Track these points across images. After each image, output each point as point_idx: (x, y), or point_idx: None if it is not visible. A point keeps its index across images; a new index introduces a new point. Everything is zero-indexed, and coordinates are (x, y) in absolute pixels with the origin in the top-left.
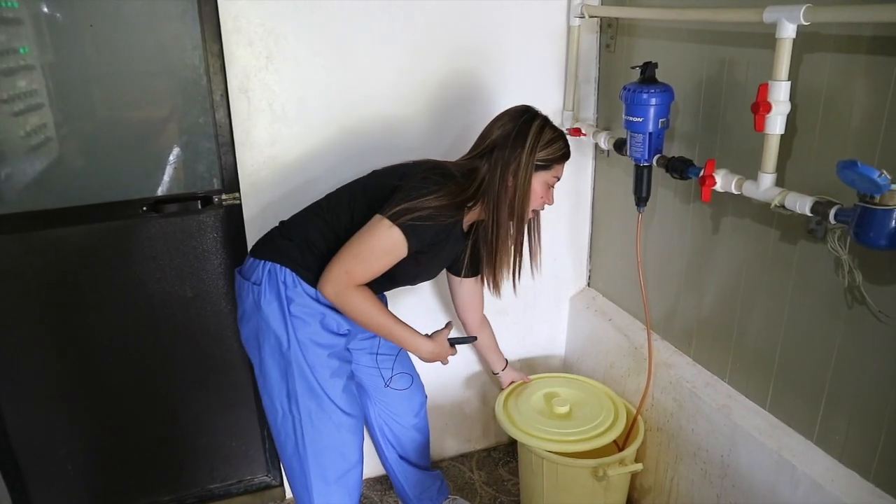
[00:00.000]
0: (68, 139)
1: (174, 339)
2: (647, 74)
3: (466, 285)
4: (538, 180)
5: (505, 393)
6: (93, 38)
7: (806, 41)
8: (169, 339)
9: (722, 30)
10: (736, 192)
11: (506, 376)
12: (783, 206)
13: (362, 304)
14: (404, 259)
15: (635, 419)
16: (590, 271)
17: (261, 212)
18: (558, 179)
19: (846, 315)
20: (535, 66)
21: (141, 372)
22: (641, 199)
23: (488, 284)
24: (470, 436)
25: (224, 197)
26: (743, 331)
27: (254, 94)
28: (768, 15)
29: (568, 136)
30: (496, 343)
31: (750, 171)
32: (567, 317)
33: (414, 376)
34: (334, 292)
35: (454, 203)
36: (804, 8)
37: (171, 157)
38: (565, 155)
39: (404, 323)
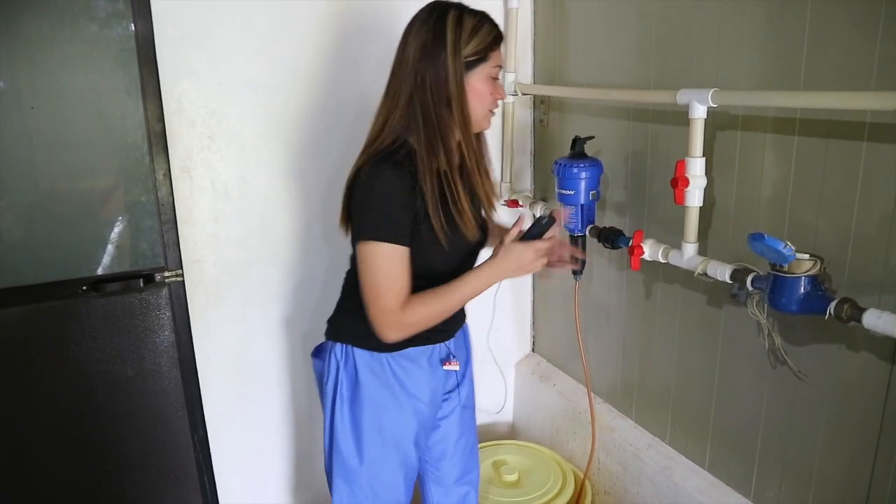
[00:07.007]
0: (4, 214)
1: (114, 422)
2: (577, 149)
3: None
4: (478, 78)
5: None
6: (35, 115)
7: (718, 119)
8: (108, 422)
9: (643, 108)
10: (663, 261)
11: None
12: (706, 274)
13: (423, 313)
14: (427, 244)
15: (583, 484)
16: (534, 337)
17: (204, 288)
18: (501, 67)
19: (771, 375)
20: None
21: (79, 458)
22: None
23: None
24: None
25: (167, 274)
26: (680, 393)
27: (196, 172)
28: (681, 97)
29: (504, 207)
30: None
31: (676, 239)
32: (513, 383)
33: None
34: (396, 333)
35: (393, 173)
36: (712, 91)
37: (113, 235)
38: (497, 37)
39: (465, 276)
